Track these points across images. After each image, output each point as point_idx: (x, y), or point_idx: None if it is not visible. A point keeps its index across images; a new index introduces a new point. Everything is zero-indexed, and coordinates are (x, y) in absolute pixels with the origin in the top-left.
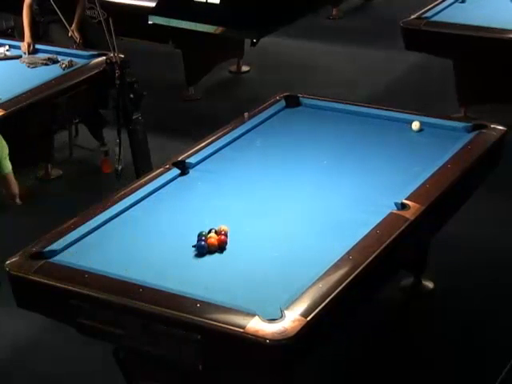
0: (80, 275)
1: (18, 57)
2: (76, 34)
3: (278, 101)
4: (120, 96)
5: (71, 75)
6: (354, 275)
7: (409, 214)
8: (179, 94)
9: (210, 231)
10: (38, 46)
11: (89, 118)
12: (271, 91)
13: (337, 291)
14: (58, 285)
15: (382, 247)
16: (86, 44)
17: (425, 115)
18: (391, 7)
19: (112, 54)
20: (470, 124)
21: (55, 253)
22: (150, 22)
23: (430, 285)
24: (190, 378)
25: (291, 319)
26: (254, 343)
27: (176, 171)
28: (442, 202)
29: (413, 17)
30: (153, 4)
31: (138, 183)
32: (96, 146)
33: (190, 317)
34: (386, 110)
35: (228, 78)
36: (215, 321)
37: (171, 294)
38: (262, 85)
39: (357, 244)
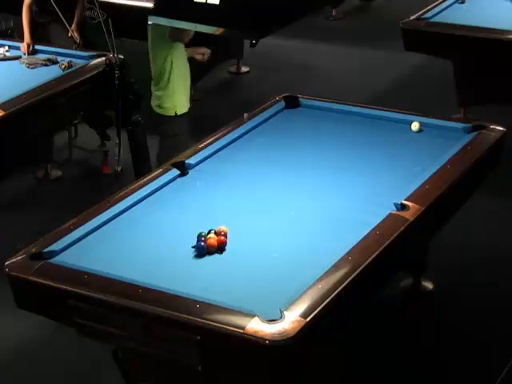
0: (80, 276)
1: (18, 57)
2: (76, 34)
3: (278, 101)
4: (119, 97)
5: (71, 76)
6: (353, 276)
7: (408, 215)
8: None
9: (209, 232)
10: (37, 47)
11: (94, 118)
12: (271, 92)
13: (336, 292)
14: (58, 285)
15: (381, 248)
16: (85, 45)
17: (424, 116)
18: (391, 8)
19: (111, 55)
20: (469, 125)
21: (55, 253)
22: (149, 23)
23: (429, 285)
24: (190, 378)
25: (291, 320)
26: (254, 344)
27: (176, 172)
28: (442, 203)
29: (412, 17)
30: (152, 5)
31: (138, 184)
32: (96, 146)
33: (190, 317)
34: (386, 110)
35: (227, 79)
36: (215, 321)
37: (171, 295)
38: (261, 85)
39: (356, 245)
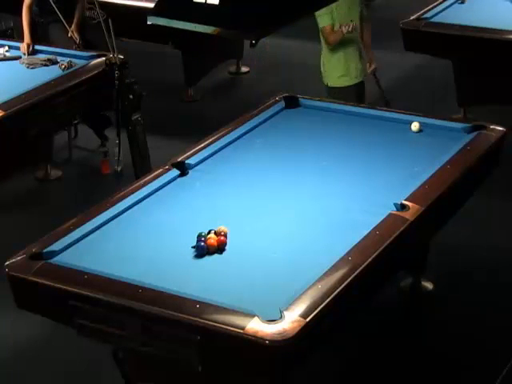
0: (79, 276)
1: (18, 58)
2: (75, 34)
3: (278, 102)
4: (119, 97)
5: (70, 76)
6: (353, 276)
7: (408, 215)
8: (179, 94)
9: (209, 232)
10: (37, 47)
11: (92, 119)
12: (271, 92)
13: (336, 292)
14: (58, 286)
15: (381, 248)
16: (85, 45)
17: (424, 116)
18: (391, 8)
19: (111, 55)
20: (469, 125)
21: (55, 253)
22: (148, 23)
23: (429, 285)
24: (190, 378)
25: (291, 320)
26: (254, 344)
27: (175, 172)
28: (442, 203)
29: (412, 18)
30: (152, 5)
31: (138, 184)
32: (95, 146)
33: (190, 317)
34: (386, 110)
35: (227, 79)
36: (215, 321)
37: (171, 295)
38: (261, 85)
39: (356, 245)
